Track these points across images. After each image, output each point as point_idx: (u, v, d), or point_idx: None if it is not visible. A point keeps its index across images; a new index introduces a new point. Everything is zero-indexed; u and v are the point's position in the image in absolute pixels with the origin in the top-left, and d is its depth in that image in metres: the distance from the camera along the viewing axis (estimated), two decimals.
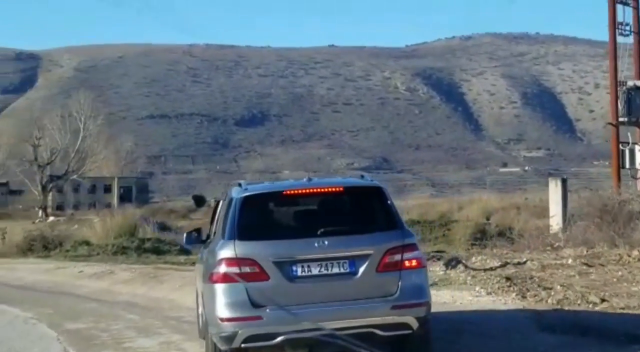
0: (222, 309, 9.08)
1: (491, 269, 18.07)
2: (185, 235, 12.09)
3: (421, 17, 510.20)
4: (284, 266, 9.08)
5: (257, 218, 9.49)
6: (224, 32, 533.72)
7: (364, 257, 9.20)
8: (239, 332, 8.98)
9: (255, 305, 8.99)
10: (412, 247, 9.43)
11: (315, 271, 9.13)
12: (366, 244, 9.27)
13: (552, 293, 14.24)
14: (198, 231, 12.00)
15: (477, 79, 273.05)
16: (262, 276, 9.04)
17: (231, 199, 9.81)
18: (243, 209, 9.39)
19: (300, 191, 9.79)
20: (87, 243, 34.12)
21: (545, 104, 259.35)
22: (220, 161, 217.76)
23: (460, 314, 13.06)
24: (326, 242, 9.12)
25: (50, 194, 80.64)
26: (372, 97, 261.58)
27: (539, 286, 15.08)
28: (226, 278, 9.08)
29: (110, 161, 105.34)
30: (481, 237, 31.26)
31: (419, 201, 59.89)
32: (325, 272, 9.16)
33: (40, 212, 72.79)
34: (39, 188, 75.35)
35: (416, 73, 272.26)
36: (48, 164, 73.98)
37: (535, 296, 14.21)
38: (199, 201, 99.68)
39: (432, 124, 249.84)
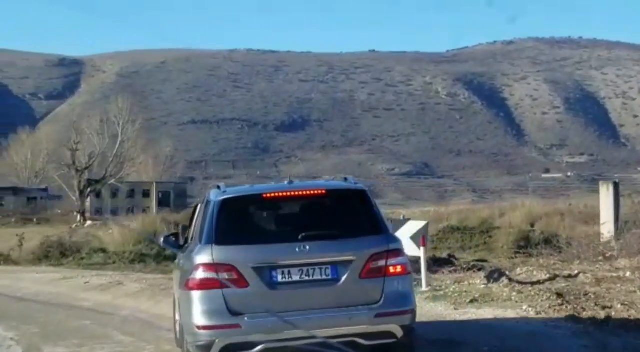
0: (199, 317, 8.70)
1: (539, 282, 16.81)
2: (162, 238, 11.56)
3: (462, 22, 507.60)
4: (264, 272, 8.70)
5: (236, 222, 9.07)
6: (265, 38, 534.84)
7: (346, 263, 8.83)
8: (216, 341, 8.62)
9: (233, 313, 8.63)
10: (397, 252, 9.05)
11: (296, 277, 8.76)
12: (349, 249, 8.88)
13: (613, 313, 12.69)
14: (176, 235, 11.45)
15: (519, 84, 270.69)
16: (240, 282, 8.66)
17: (209, 202, 9.40)
18: (221, 213, 9.00)
19: (280, 194, 9.37)
20: (104, 251, 33.07)
21: (589, 109, 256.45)
22: (261, 166, 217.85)
23: (504, 339, 11.47)
24: (307, 247, 8.75)
25: (89, 198, 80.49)
26: (413, 102, 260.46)
27: (595, 304, 13.47)
28: (203, 284, 8.70)
29: (150, 166, 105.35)
30: (525, 245, 30.09)
31: (459, 207, 58.17)
32: (306, 278, 8.78)
33: (78, 217, 72.51)
34: (77, 193, 75.21)
35: (457, 78, 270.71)
36: (86, 168, 73.76)
37: (592, 317, 12.46)
38: None
39: (474, 130, 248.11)
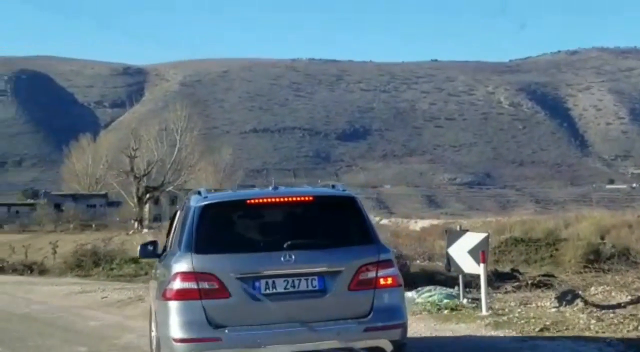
0: (176, 329, 8.21)
1: (620, 306, 14.58)
2: (139, 247, 10.83)
3: (526, 32, 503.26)
4: (247, 282, 8.23)
5: (217, 229, 8.57)
6: (327, 47, 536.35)
7: (334, 274, 8.38)
8: None
9: (213, 325, 8.16)
10: (388, 263, 8.60)
11: (280, 288, 8.30)
12: (337, 259, 8.42)
13: None
14: (154, 243, 10.81)
15: (583, 94, 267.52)
16: (222, 292, 8.19)
17: (189, 208, 8.93)
18: (202, 219, 8.53)
19: (265, 200, 8.85)
20: (136, 261, 30.68)
21: None
22: (322, 175, 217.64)
23: None
24: (293, 257, 8.28)
25: (147, 205, 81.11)
26: (475, 112, 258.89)
27: None
28: (182, 294, 8.24)
29: (209, 174, 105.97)
30: (595, 259, 27.98)
31: (522, 217, 55.86)
32: (291, 289, 8.32)
33: (135, 224, 73.09)
34: (135, 199, 75.73)
35: (520, 88, 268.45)
36: (144, 175, 74.41)
37: None
38: None
39: (537, 140, 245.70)
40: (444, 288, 16.81)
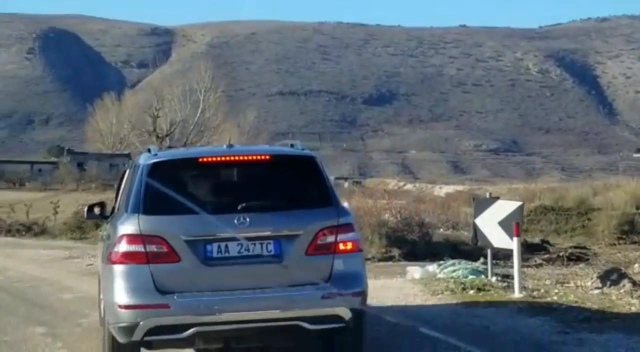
0: (121, 295, 7.70)
1: None
2: (86, 209, 10.28)
3: None
4: (197, 246, 7.73)
5: (167, 189, 7.95)
6: (355, 11, 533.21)
7: (291, 238, 7.91)
8: (141, 322, 7.63)
9: (161, 291, 7.66)
10: (348, 227, 8.09)
11: (234, 251, 7.81)
12: (295, 222, 7.95)
13: None
14: (102, 205, 10.25)
15: (612, 61, 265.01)
16: (171, 256, 7.70)
17: (137, 166, 8.41)
18: (151, 178, 8.01)
19: (218, 159, 8.34)
20: None
21: None
22: (348, 139, 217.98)
23: None
24: (248, 219, 7.79)
25: None
26: (503, 78, 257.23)
27: None
28: (127, 258, 7.75)
29: (233, 135, 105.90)
30: (630, 229, 26.59)
31: (549, 184, 54.10)
32: (245, 253, 7.83)
33: None
34: None
35: (549, 55, 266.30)
36: (167, 135, 74.33)
37: None
38: None
39: (564, 107, 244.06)
40: (469, 262, 15.85)
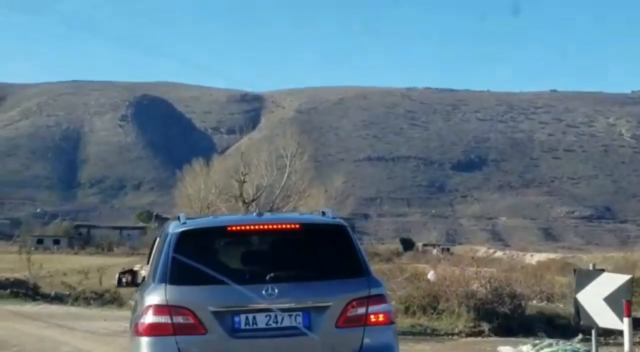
0: None
1: None
2: (117, 276, 10.07)
3: None
4: (225, 317, 7.56)
5: (194, 258, 7.77)
6: (443, 76, 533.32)
7: (321, 309, 7.68)
8: None
9: None
10: (380, 298, 7.87)
11: (262, 323, 7.61)
12: (325, 293, 7.72)
13: None
14: (132, 272, 10.03)
15: None
16: (197, 328, 7.52)
17: (166, 235, 8.21)
18: (179, 247, 7.84)
19: (248, 227, 8.19)
20: None
21: None
22: (436, 205, 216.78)
23: None
24: (276, 290, 7.59)
25: None
26: (595, 144, 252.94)
27: None
28: (154, 329, 7.56)
29: (320, 200, 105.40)
30: None
31: None
32: (274, 325, 7.62)
33: None
34: None
35: None
36: (253, 200, 73.81)
37: None
38: (407, 244, 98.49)
39: None
40: (568, 342, 14.50)
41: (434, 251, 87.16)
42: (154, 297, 7.63)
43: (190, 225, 8.19)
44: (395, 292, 20.02)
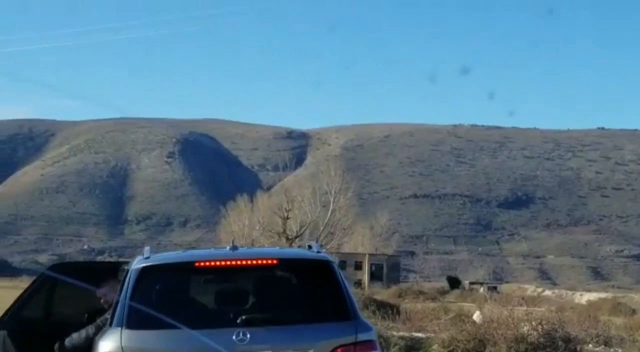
0: None
1: None
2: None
3: None
4: None
5: (156, 298, 6.98)
6: (490, 113, 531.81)
7: None
8: None
9: None
10: (368, 345, 6.88)
11: None
12: (305, 338, 6.76)
13: None
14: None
15: None
16: None
17: (128, 272, 7.31)
18: (138, 285, 6.94)
19: (217, 263, 7.22)
20: None
21: None
22: (483, 243, 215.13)
23: None
24: (249, 335, 6.62)
25: None
26: None
27: None
28: None
29: (365, 238, 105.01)
30: None
31: None
32: None
33: None
34: None
35: None
36: (297, 237, 73.63)
37: None
38: (453, 282, 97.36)
39: None
40: None
41: (481, 290, 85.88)
42: (108, 343, 6.69)
43: (153, 260, 7.26)
44: (437, 334, 19.16)
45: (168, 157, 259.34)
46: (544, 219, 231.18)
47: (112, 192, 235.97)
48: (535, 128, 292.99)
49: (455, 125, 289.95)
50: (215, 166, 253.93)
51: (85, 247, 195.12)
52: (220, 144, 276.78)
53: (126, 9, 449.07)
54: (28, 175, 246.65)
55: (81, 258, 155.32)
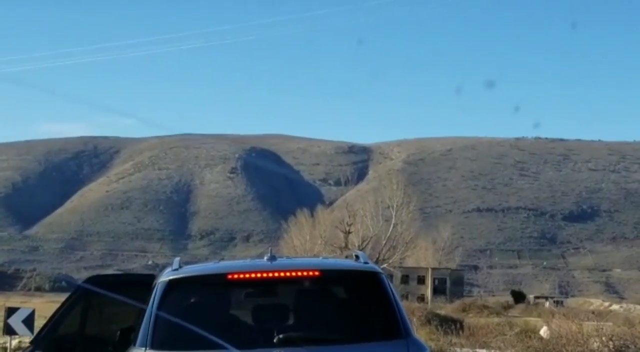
0: None
1: None
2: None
3: None
4: None
5: (184, 315, 6.24)
6: (553, 125, 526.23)
7: None
8: None
9: None
10: None
11: None
12: None
13: None
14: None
15: None
16: None
17: (154, 285, 6.66)
18: (165, 300, 6.29)
19: (253, 276, 6.51)
20: None
21: None
22: (547, 257, 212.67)
23: None
24: None
25: None
26: None
27: None
28: None
29: (428, 252, 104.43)
30: None
31: None
32: None
33: None
34: None
35: None
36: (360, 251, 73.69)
37: None
38: (518, 296, 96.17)
39: None
40: None
41: (547, 304, 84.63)
42: None
43: (182, 272, 6.63)
44: (502, 350, 18.46)
45: (230, 173, 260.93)
46: (610, 232, 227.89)
47: (176, 208, 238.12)
48: (599, 140, 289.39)
49: (517, 138, 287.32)
50: (277, 181, 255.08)
51: (150, 262, 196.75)
52: (282, 159, 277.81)
53: (184, 18, 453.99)
54: (93, 191, 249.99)
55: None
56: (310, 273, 6.55)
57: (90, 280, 8.83)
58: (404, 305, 6.69)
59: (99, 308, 8.70)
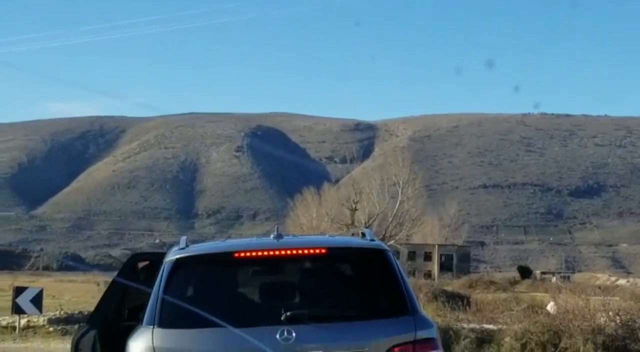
0: None
1: None
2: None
3: None
4: None
5: (191, 293, 6.42)
6: (559, 101, 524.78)
7: None
8: None
9: None
10: (429, 343, 6.15)
11: None
12: (358, 337, 6.03)
13: None
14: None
15: None
16: None
17: (162, 263, 6.67)
18: (171, 279, 6.32)
19: (259, 254, 6.50)
20: None
21: None
22: (554, 232, 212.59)
23: None
24: (294, 334, 5.94)
25: None
26: None
27: None
28: None
29: (435, 228, 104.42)
30: None
31: None
32: None
33: None
34: None
35: None
36: (366, 228, 73.56)
37: None
38: (524, 272, 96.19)
39: None
40: None
41: (553, 279, 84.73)
42: (139, 343, 6.10)
43: (189, 251, 6.67)
44: (509, 326, 18.53)
45: (237, 151, 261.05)
46: (617, 207, 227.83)
47: (182, 187, 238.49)
48: (605, 115, 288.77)
49: (524, 114, 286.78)
50: (283, 159, 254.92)
51: (157, 241, 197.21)
52: (287, 137, 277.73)
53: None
54: (100, 171, 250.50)
55: None
56: (317, 251, 6.53)
57: (134, 257, 8.87)
58: (410, 282, 6.68)
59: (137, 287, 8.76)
